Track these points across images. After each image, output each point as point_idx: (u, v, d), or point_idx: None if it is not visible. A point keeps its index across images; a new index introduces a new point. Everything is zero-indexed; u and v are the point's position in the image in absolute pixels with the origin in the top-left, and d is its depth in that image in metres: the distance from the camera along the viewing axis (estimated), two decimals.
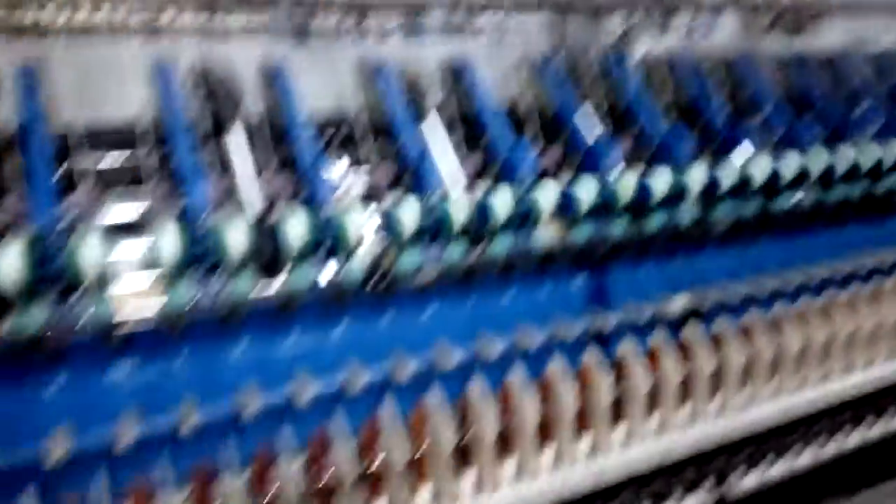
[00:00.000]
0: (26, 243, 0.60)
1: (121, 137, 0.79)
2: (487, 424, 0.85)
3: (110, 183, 0.74)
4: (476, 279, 0.90)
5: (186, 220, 0.69)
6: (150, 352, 0.77)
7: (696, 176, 1.00)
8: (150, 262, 0.68)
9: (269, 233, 0.70)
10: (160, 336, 0.75)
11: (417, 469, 0.84)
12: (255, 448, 0.75)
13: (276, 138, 0.84)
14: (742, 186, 1.04)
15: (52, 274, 0.60)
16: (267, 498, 0.74)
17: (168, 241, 0.65)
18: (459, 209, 0.82)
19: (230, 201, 0.74)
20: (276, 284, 0.74)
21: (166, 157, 0.74)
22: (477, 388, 0.87)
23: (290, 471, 0.76)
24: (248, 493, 0.75)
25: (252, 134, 0.79)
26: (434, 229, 0.79)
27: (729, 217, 1.04)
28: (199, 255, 0.67)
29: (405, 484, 0.83)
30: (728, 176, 1.03)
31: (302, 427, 0.79)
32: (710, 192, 1.02)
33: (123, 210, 0.73)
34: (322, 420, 0.80)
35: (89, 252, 0.61)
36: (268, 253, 0.70)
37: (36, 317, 0.62)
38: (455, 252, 0.81)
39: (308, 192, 0.77)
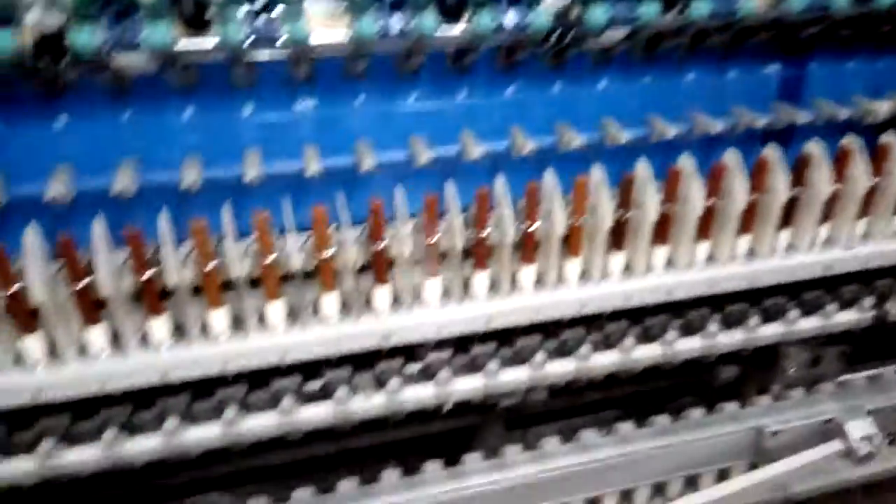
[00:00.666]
0: None
1: None
2: (650, 205, 0.82)
3: None
4: (662, 49, 0.82)
5: None
6: (332, 86, 0.76)
7: None
8: None
9: None
10: (341, 70, 0.75)
11: (570, 243, 0.85)
12: (422, 196, 0.76)
13: None
14: None
15: None
16: (431, 242, 0.78)
17: None
18: None
19: None
20: (459, 28, 0.70)
21: None
22: (642, 168, 0.84)
23: (454, 224, 0.78)
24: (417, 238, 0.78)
25: None
26: None
27: None
28: None
29: (557, 254, 0.84)
30: None
31: (466, 185, 0.79)
32: None
33: None
34: (487, 180, 0.81)
35: None
36: None
37: (236, 31, 0.62)
38: (650, 10, 0.72)
39: None
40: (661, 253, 0.87)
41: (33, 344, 0.68)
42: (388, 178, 0.79)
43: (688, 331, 0.94)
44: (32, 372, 0.68)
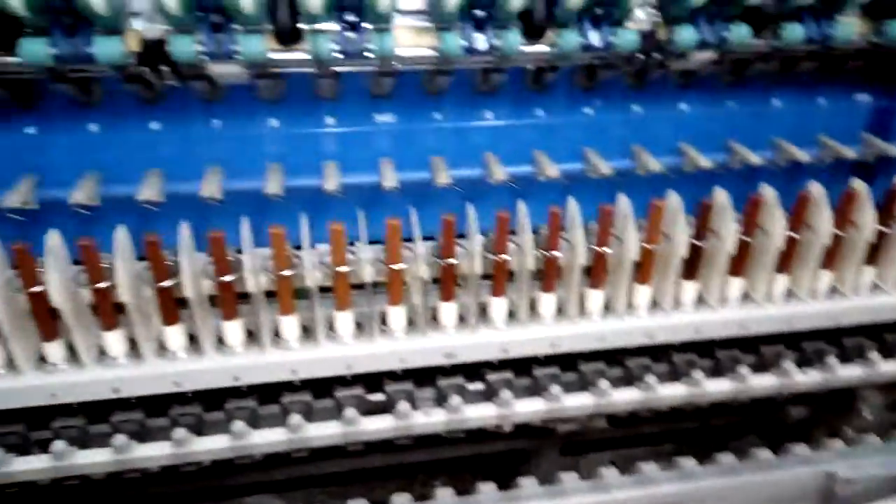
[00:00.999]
0: None
1: None
2: (728, 235, 0.80)
3: None
4: (750, 74, 0.80)
5: None
6: (411, 102, 0.77)
7: None
8: (429, 5, 0.66)
9: None
10: (421, 86, 0.76)
11: (642, 269, 0.83)
12: (493, 214, 0.76)
13: None
14: None
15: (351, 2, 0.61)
16: (501, 260, 0.78)
17: None
18: None
19: None
20: (540, 47, 0.70)
21: None
22: (721, 195, 0.81)
23: (525, 243, 0.77)
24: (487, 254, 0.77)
25: None
26: (722, 2, 0.68)
27: None
28: (482, 3, 0.64)
29: (628, 281, 0.82)
30: None
31: (538, 204, 0.78)
32: None
33: None
34: (559, 200, 0.80)
35: None
36: (540, 10, 0.65)
37: (323, 42, 0.63)
38: (741, 32, 0.70)
39: None
40: (737, 284, 0.84)
41: (115, 340, 0.70)
42: (461, 194, 0.79)
43: (761, 367, 0.91)
44: (114, 367, 0.71)
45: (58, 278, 0.65)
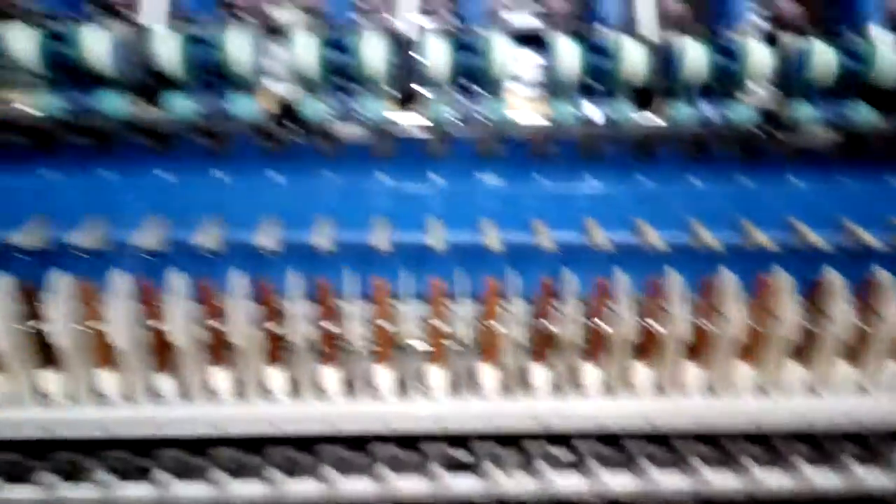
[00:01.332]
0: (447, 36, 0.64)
1: None
2: (841, 318, 0.76)
3: None
4: (867, 151, 0.77)
5: (585, 37, 0.66)
6: (514, 164, 0.78)
7: None
8: (544, 74, 0.68)
9: (664, 59, 0.66)
10: (526, 149, 0.77)
11: (745, 348, 0.78)
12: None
13: None
14: None
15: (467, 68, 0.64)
16: (597, 327, 0.77)
17: (565, 55, 0.64)
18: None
19: (631, 21, 0.70)
20: (651, 115, 0.70)
21: None
22: (833, 276, 0.77)
23: (622, 312, 0.75)
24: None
25: None
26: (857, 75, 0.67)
27: None
28: (595, 73, 0.65)
29: (730, 358, 0.78)
30: None
31: (637, 273, 0.77)
32: None
33: (521, 18, 0.74)
34: (658, 270, 0.78)
35: (500, 51, 0.63)
36: (662, 80, 0.66)
37: (440, 107, 0.67)
38: (863, 113, 0.69)
39: (708, 17, 0.70)
40: (849, 372, 0.79)
41: (222, 379, 0.74)
42: (559, 258, 0.79)
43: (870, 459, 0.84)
44: (221, 405, 0.74)
45: (179, 316, 0.69)
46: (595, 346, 0.76)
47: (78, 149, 0.72)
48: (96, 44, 0.59)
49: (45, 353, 0.71)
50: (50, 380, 0.72)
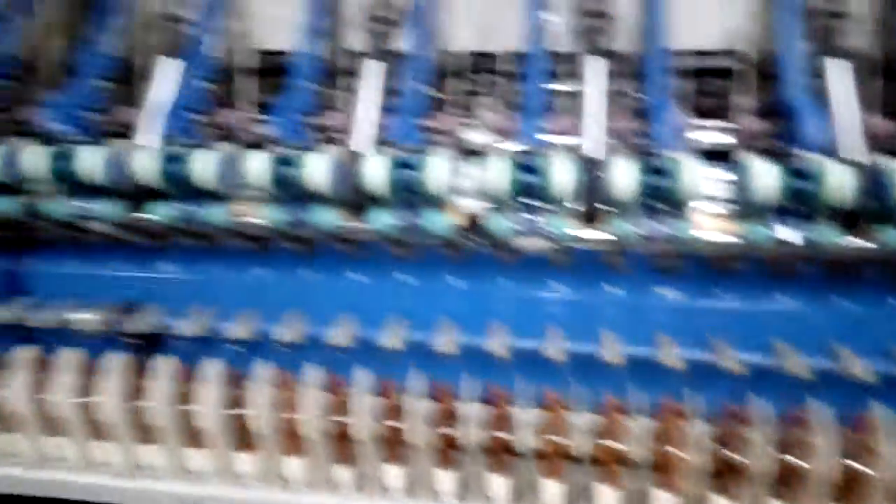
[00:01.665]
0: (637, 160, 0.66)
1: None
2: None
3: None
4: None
5: (782, 157, 0.65)
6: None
7: None
8: (734, 193, 0.67)
9: (874, 182, 0.62)
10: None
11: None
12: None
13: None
14: None
15: (658, 191, 0.65)
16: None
17: (763, 177, 0.63)
18: None
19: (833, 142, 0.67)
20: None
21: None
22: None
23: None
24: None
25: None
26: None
27: None
28: (795, 195, 0.63)
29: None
30: None
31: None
32: None
33: (710, 135, 0.74)
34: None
35: (689, 175, 0.63)
36: (872, 206, 0.63)
37: (625, 226, 0.68)
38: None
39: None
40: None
41: (395, 476, 0.77)
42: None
43: None
44: (393, 501, 0.77)
45: (363, 411, 0.74)
46: (786, 481, 0.70)
47: (287, 253, 0.82)
48: (317, 167, 0.67)
49: (243, 437, 0.78)
50: (245, 461, 0.79)
